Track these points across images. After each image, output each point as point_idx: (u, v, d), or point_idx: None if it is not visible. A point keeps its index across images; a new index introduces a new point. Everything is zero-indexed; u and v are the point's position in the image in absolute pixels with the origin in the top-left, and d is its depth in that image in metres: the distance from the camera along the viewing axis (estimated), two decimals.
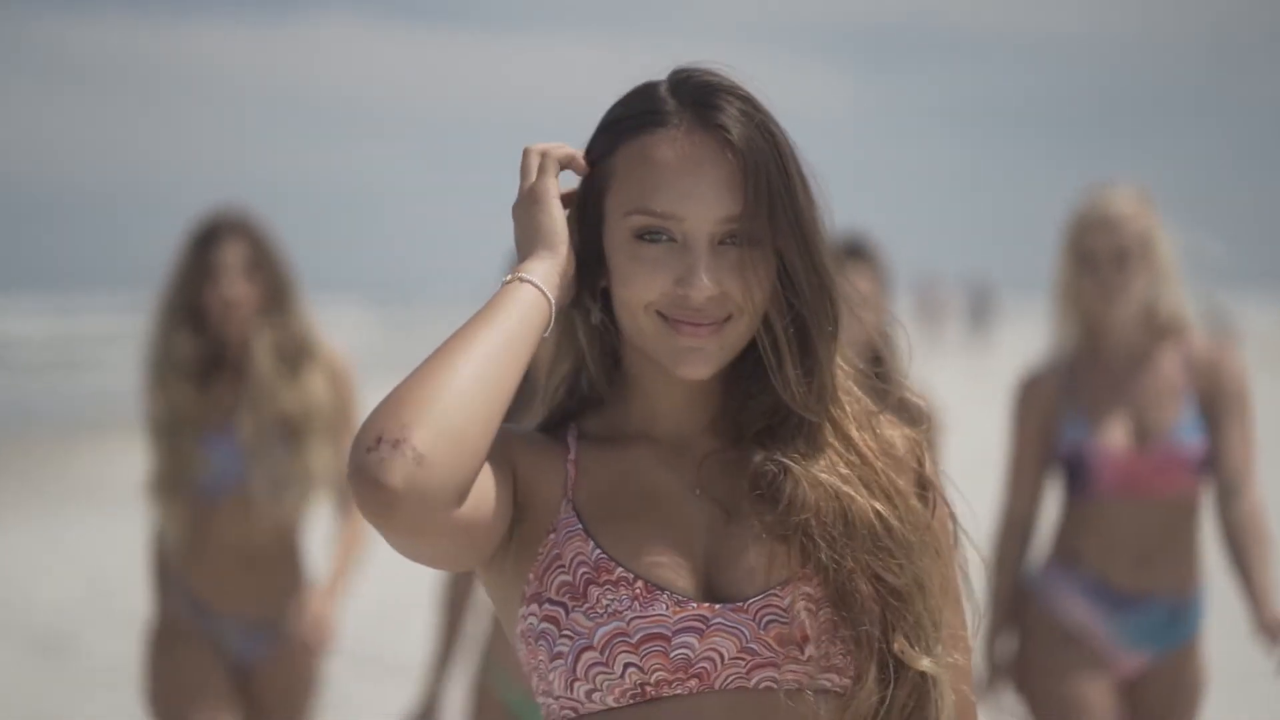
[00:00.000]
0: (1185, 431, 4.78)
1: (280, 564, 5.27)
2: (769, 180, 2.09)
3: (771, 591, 2.08)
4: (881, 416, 2.21)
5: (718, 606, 2.08)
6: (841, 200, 2.24)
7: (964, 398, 18.50)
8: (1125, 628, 4.81)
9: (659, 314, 2.11)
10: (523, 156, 2.16)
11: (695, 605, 2.07)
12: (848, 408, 2.18)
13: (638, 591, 2.07)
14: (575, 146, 2.18)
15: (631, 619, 2.06)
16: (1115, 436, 4.78)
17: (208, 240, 5.20)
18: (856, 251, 5.02)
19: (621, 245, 2.12)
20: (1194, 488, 4.82)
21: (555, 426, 2.23)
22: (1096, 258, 4.80)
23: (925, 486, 2.19)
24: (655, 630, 2.06)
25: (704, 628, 2.07)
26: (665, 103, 2.14)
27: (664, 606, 2.07)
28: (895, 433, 2.21)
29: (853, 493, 2.12)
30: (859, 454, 2.16)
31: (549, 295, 2.10)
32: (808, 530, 2.09)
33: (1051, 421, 4.87)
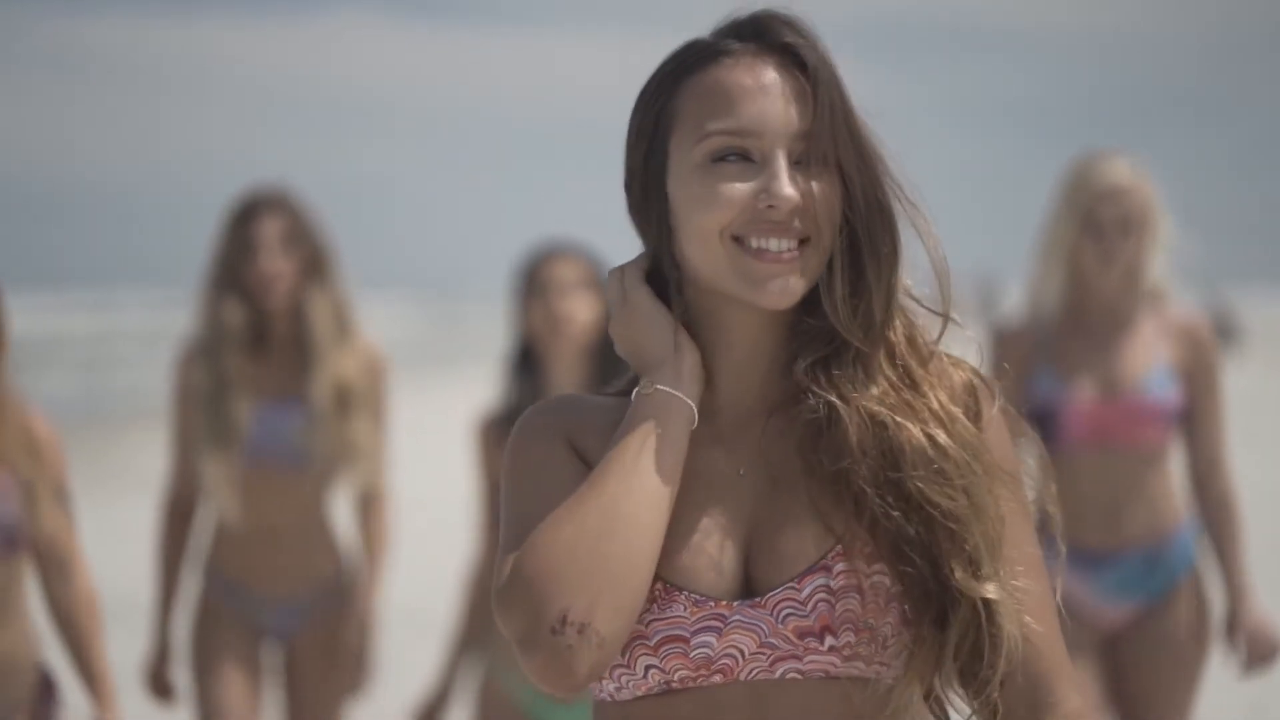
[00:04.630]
0: (1155, 384, 4.89)
1: (313, 540, 5.23)
2: (836, 97, 2.07)
3: (789, 584, 2.04)
4: (943, 355, 2.14)
5: (735, 604, 2.04)
6: None
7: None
8: (1101, 584, 4.89)
9: (735, 240, 2.05)
10: (608, 281, 2.15)
11: (713, 604, 2.04)
12: (907, 336, 2.11)
13: (656, 593, 2.04)
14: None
15: (650, 621, 2.04)
16: (1084, 388, 4.89)
17: (245, 216, 5.19)
18: None
19: (695, 173, 2.06)
20: (1163, 439, 4.91)
21: (622, 394, 2.18)
22: (1103, 224, 4.92)
23: (977, 420, 2.10)
24: (673, 632, 2.04)
25: (722, 626, 2.04)
26: (725, 37, 2.11)
27: (681, 608, 2.04)
28: (955, 372, 2.13)
29: (904, 421, 2.04)
30: (913, 384, 2.09)
31: (688, 400, 2.08)
32: (849, 480, 2.03)
33: (1027, 375, 4.93)
